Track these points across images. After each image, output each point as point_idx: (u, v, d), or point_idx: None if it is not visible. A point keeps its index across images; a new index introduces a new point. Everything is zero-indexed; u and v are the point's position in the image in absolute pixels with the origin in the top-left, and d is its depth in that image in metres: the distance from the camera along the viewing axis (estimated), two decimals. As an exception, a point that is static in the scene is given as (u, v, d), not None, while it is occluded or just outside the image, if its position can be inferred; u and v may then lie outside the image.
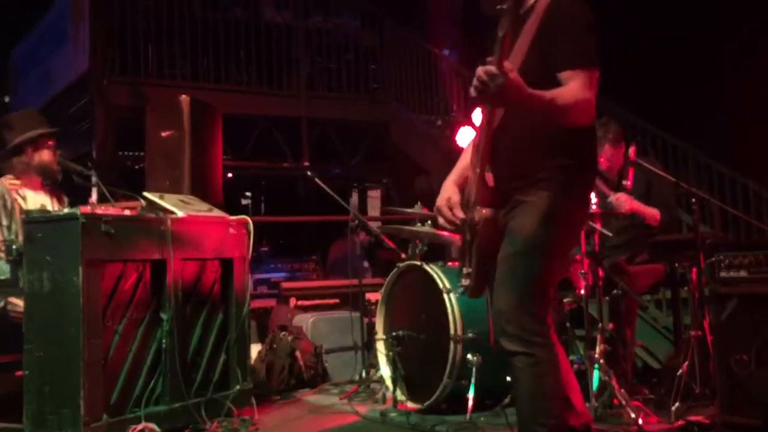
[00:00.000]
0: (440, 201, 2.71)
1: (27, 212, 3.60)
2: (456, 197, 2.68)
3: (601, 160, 4.53)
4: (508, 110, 2.51)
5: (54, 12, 10.02)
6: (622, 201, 4.40)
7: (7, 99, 12.23)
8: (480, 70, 2.29)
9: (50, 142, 4.29)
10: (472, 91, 2.34)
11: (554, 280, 2.65)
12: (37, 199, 4.22)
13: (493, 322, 2.60)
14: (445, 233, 4.34)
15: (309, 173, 5.56)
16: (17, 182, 4.21)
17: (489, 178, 2.57)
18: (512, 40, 2.42)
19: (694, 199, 4.22)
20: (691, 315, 4.29)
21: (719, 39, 8.09)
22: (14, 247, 3.53)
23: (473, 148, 2.68)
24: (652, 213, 4.50)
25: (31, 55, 11.05)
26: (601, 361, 3.86)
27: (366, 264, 8.24)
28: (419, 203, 4.80)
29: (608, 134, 4.56)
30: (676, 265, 4.59)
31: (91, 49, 8.48)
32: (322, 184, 5.32)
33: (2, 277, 3.59)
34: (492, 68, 2.27)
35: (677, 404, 3.72)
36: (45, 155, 4.25)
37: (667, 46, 8.57)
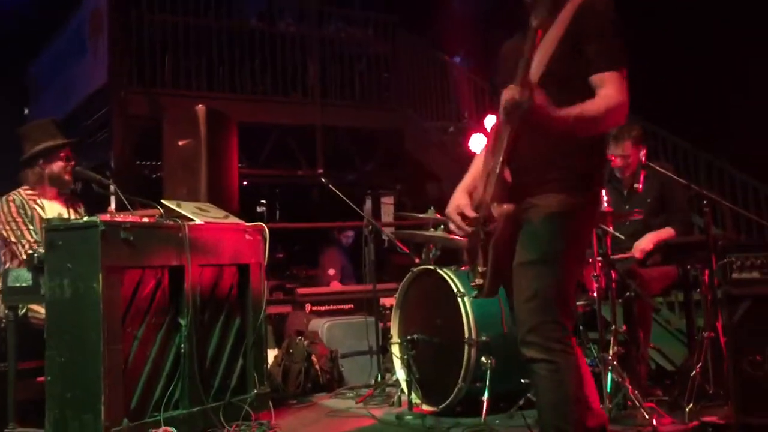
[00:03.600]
0: (450, 208, 2.71)
1: (47, 220, 3.65)
2: (465, 202, 2.68)
3: (618, 157, 4.56)
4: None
5: (73, 25, 10.14)
6: (642, 249, 4.46)
7: (26, 111, 12.38)
8: (507, 95, 2.38)
9: (62, 153, 4.32)
10: (502, 112, 2.45)
11: (573, 284, 2.63)
12: (54, 209, 4.28)
13: (515, 331, 2.59)
14: (458, 237, 4.36)
15: (323, 180, 5.59)
16: (34, 192, 4.28)
17: (508, 174, 2.53)
18: (543, 32, 2.43)
19: (705, 201, 4.22)
20: (704, 317, 4.30)
21: (735, 40, 8.07)
22: (35, 254, 3.58)
23: (486, 153, 2.68)
24: (669, 234, 4.55)
25: (51, 68, 11.19)
26: (615, 363, 3.89)
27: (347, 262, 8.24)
28: (432, 208, 4.83)
29: (632, 131, 4.58)
30: (689, 267, 4.60)
31: (109, 61, 8.60)
32: (336, 191, 5.36)
33: (24, 285, 3.63)
34: (516, 96, 2.34)
35: (691, 405, 3.73)
36: (56, 167, 4.30)
37: (680, 49, 8.55)
